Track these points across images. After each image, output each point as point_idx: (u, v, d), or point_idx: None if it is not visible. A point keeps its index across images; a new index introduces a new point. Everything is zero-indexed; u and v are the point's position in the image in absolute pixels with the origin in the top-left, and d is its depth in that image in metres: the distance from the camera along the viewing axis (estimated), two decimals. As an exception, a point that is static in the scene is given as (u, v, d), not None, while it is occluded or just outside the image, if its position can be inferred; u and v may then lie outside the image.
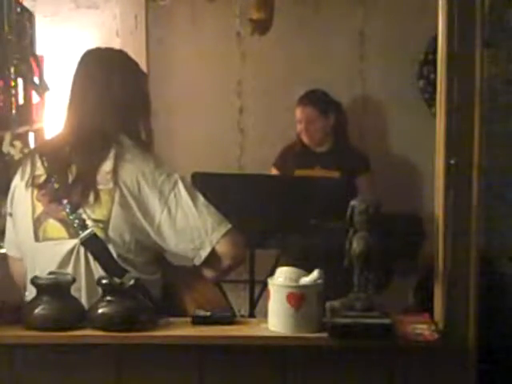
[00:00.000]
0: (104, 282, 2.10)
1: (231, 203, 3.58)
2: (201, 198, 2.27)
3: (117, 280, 2.10)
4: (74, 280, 2.15)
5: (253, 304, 3.78)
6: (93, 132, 2.29)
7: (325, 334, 2.06)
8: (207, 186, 3.65)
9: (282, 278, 2.09)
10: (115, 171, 2.22)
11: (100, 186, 2.22)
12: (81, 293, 2.22)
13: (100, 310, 2.09)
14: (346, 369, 2.10)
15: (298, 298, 2.05)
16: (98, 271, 2.22)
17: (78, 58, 2.38)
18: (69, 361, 2.11)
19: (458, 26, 2.05)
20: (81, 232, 2.22)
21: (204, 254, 2.25)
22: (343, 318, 2.06)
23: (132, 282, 2.10)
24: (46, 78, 3.55)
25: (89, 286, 2.22)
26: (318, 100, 4.16)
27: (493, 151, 3.04)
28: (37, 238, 2.26)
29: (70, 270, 2.23)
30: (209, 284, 2.38)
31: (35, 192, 2.28)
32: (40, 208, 2.27)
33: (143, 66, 4.35)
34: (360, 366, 2.10)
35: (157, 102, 4.47)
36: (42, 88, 3.46)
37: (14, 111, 3.20)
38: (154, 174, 2.24)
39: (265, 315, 2.14)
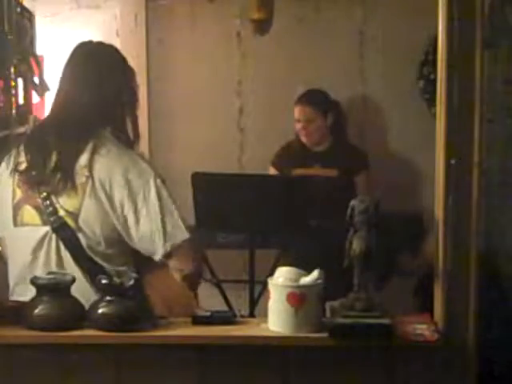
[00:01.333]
0: (104, 281, 2.10)
1: (231, 203, 3.60)
2: (169, 202, 2.28)
3: (117, 280, 2.10)
4: (73, 280, 2.15)
5: (253, 304, 3.78)
6: (75, 122, 2.32)
7: (325, 334, 2.06)
8: (207, 186, 3.69)
9: (281, 278, 2.09)
10: (90, 165, 2.26)
11: (76, 179, 2.26)
12: None
13: (100, 310, 2.10)
14: (346, 369, 2.10)
15: (297, 298, 2.05)
16: (68, 259, 2.27)
17: (70, 50, 2.42)
18: (69, 361, 2.11)
19: (458, 25, 2.05)
20: (52, 219, 2.26)
21: (157, 258, 2.27)
22: (343, 318, 2.06)
23: (132, 282, 2.10)
24: (46, 78, 3.55)
25: None
26: (316, 99, 4.16)
27: (493, 151, 3.03)
28: (15, 223, 2.33)
29: (41, 256, 2.29)
30: (176, 281, 2.36)
31: (16, 179, 2.33)
32: (19, 194, 2.32)
33: (143, 66, 4.39)
34: (360, 366, 2.10)
35: (157, 101, 4.52)
36: (42, 88, 3.46)
37: (14, 111, 3.20)
38: (128, 171, 2.27)
39: (265, 315, 2.14)
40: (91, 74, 2.36)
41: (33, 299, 2.14)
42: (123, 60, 2.44)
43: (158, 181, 2.29)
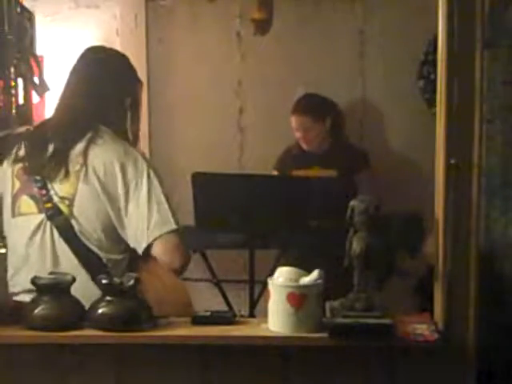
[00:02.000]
0: (104, 281, 2.10)
1: (231, 203, 3.60)
2: (158, 193, 2.30)
3: (117, 280, 2.10)
4: (73, 280, 2.15)
5: (253, 304, 3.78)
6: (74, 117, 2.37)
7: (325, 334, 2.06)
8: (207, 185, 3.69)
9: (282, 278, 2.09)
10: (85, 153, 2.30)
11: (70, 166, 2.30)
12: (46, 267, 2.27)
13: (100, 310, 2.10)
14: (346, 369, 2.10)
15: (298, 298, 2.05)
16: (62, 247, 2.29)
17: (81, 52, 2.48)
18: (69, 361, 2.11)
19: (457, 25, 2.05)
20: (47, 207, 2.30)
21: (140, 248, 2.28)
22: (343, 318, 2.06)
23: (132, 282, 2.10)
24: (46, 78, 3.55)
25: (54, 262, 2.29)
26: (311, 107, 4.12)
27: (493, 151, 3.03)
28: (13, 214, 2.37)
29: (36, 244, 2.31)
30: (169, 272, 2.35)
31: (15, 170, 2.38)
32: (17, 185, 2.37)
33: (143, 66, 4.39)
34: (360, 366, 2.10)
35: (157, 101, 4.52)
36: (42, 88, 3.46)
37: (14, 111, 3.20)
38: (123, 159, 2.30)
39: (265, 315, 2.14)
40: (98, 80, 2.41)
41: (33, 299, 2.14)
42: (131, 69, 2.49)
43: (152, 172, 2.31)
